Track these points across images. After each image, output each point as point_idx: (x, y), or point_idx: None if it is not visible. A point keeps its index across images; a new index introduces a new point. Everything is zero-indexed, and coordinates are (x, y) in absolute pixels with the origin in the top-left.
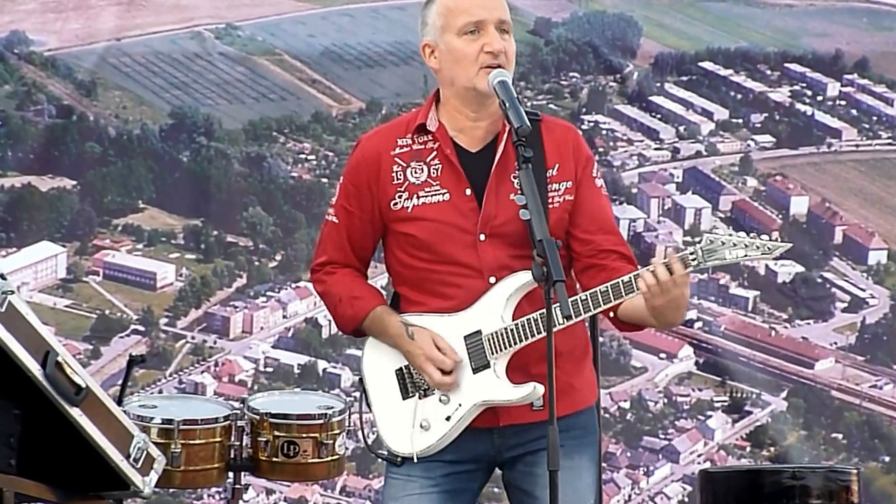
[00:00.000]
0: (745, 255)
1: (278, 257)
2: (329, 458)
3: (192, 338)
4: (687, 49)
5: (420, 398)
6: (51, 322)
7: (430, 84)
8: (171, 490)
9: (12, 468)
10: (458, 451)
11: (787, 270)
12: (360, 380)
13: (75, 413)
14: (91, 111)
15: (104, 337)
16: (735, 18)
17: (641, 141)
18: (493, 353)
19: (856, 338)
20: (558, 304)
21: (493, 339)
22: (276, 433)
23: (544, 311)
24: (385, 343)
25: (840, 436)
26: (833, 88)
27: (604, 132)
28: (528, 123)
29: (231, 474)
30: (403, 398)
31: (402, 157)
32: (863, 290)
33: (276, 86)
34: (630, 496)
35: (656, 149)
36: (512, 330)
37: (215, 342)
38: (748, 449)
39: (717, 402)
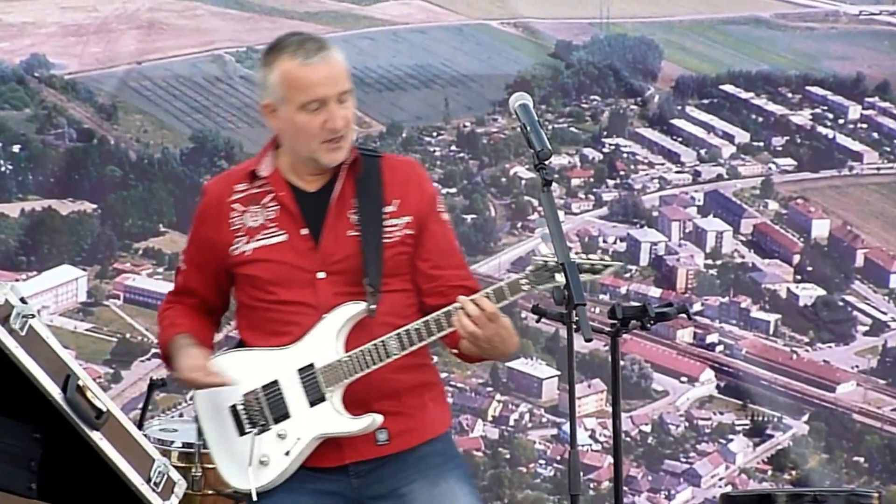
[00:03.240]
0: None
1: None
2: None
3: None
4: (708, 72)
5: (257, 434)
6: (71, 346)
7: (452, 107)
8: None
9: (33, 492)
10: (317, 496)
11: (809, 294)
12: (196, 418)
13: (96, 437)
14: (112, 135)
15: (125, 361)
16: (756, 41)
17: (662, 164)
18: (328, 386)
19: (877, 361)
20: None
21: (327, 371)
22: None
23: (376, 341)
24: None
25: (862, 459)
26: (854, 111)
27: (625, 155)
28: (549, 146)
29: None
30: (240, 434)
31: (241, 201)
32: (884, 313)
33: None
34: None
35: (677, 172)
36: (346, 362)
37: None
38: (770, 472)
39: (739, 425)
